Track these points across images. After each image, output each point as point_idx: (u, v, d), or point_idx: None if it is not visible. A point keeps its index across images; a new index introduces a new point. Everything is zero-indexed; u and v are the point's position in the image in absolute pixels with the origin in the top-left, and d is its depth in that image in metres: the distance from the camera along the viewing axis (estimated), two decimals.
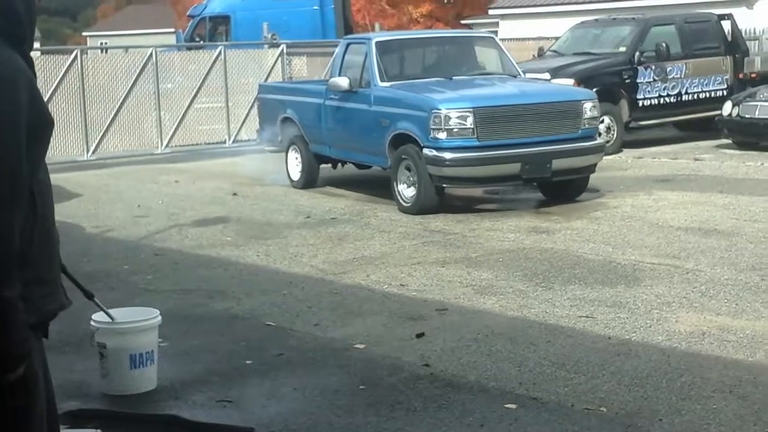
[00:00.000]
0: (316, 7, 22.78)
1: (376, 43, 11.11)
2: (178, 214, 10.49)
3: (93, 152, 15.77)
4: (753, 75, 16.80)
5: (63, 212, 10.26)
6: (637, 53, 15.34)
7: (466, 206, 10.54)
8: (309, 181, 12.15)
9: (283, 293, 6.99)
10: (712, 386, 4.80)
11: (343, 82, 11.04)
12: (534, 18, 27.79)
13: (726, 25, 16.77)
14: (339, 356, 5.49)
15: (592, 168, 10.46)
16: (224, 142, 17.14)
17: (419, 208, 9.96)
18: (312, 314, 6.42)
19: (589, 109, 10.29)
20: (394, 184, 10.25)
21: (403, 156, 10.14)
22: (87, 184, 13.09)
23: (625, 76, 15.24)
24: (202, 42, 21.45)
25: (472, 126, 9.72)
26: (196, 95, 16.96)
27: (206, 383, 5.10)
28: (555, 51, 16.72)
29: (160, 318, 5.08)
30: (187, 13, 25.92)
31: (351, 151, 11.50)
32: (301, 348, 5.67)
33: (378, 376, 5.11)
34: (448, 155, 9.71)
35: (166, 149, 16.47)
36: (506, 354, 5.42)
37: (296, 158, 12.30)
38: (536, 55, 17.41)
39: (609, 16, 18.25)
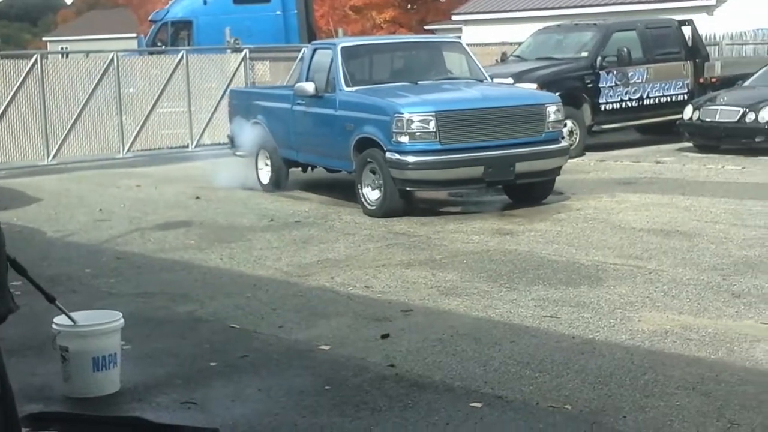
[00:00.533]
0: (279, 12, 22.70)
1: (342, 48, 11.11)
2: (140, 218, 10.40)
3: (53, 157, 15.64)
4: (713, 79, 17.01)
5: (23, 217, 10.15)
6: (599, 58, 15.47)
7: (431, 209, 10.56)
8: (278, 185, 12.16)
9: (247, 296, 6.96)
10: (675, 383, 4.83)
11: (309, 87, 11.05)
12: (497, 23, 27.97)
13: (687, 30, 16.94)
14: (304, 358, 5.47)
15: (556, 171, 10.50)
16: (187, 147, 17.06)
17: (384, 211, 9.96)
18: (276, 316, 6.39)
19: (552, 112, 10.33)
20: (359, 187, 10.25)
21: (368, 159, 10.13)
22: (47, 188, 12.95)
23: (588, 81, 15.35)
24: (164, 47, 21.30)
25: (434, 130, 9.74)
26: (158, 100, 16.87)
27: (170, 385, 5.06)
28: (518, 56, 16.79)
29: (122, 321, 5.03)
30: (149, 18, 25.70)
31: (318, 156, 11.50)
32: (266, 350, 5.64)
33: (343, 377, 5.10)
34: (410, 159, 9.72)
35: (128, 154, 16.37)
36: (471, 354, 5.42)
37: (266, 162, 12.30)
38: (499, 60, 17.49)
39: (571, 21, 18.38)
